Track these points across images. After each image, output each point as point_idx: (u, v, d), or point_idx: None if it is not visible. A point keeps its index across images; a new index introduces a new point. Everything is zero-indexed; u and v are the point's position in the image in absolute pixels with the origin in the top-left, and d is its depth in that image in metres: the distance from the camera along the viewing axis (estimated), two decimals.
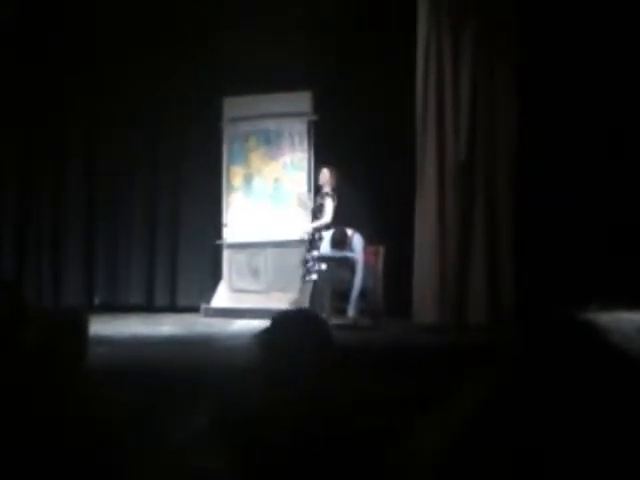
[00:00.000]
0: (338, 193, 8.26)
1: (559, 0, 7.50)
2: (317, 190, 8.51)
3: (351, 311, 7.59)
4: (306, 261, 8.25)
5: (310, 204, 8.63)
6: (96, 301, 9.57)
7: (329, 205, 8.22)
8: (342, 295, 7.72)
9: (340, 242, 7.70)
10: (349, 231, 7.80)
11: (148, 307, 9.43)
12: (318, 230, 8.13)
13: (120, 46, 9.38)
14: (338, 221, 8.14)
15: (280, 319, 2.04)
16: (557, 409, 0.83)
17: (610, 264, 7.01)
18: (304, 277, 8.24)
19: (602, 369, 0.87)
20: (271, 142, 9.12)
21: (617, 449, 0.81)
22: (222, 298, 8.97)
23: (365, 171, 8.61)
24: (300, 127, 8.95)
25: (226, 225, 9.18)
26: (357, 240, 7.76)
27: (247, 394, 1.65)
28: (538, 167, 7.59)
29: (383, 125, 8.47)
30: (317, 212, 8.31)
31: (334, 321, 7.03)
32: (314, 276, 8.09)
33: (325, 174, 8.35)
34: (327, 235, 7.93)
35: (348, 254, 7.72)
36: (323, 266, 8.01)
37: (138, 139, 9.61)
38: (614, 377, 0.86)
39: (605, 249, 7.23)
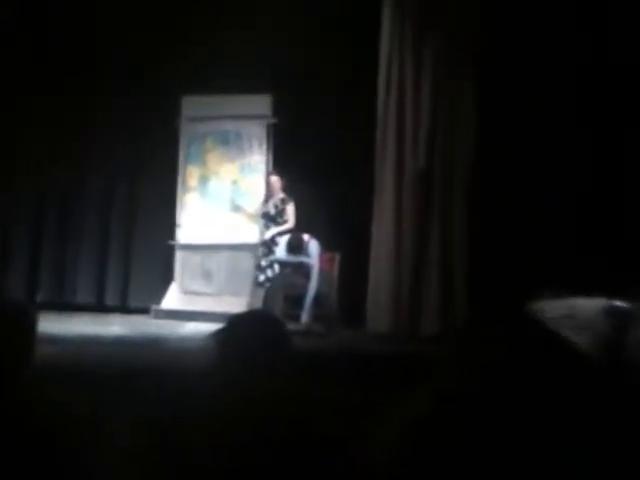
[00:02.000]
0: (293, 198, 8.24)
1: (523, 16, 7.59)
2: (267, 197, 8.43)
3: (305, 317, 7.57)
4: (260, 265, 8.20)
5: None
6: (38, 298, 9.35)
7: (291, 210, 8.19)
8: (295, 300, 7.70)
9: (296, 247, 7.68)
10: (305, 236, 7.78)
11: (97, 307, 9.27)
12: (280, 235, 8.09)
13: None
14: (295, 226, 8.13)
15: (236, 320, 2.02)
16: (513, 414, 0.82)
17: (564, 271, 7.07)
18: (257, 281, 8.19)
19: (559, 373, 0.86)
20: (229, 144, 9.05)
21: (574, 451, 0.80)
22: (173, 300, 8.86)
23: (323, 177, 8.59)
24: (259, 130, 8.91)
25: (180, 226, 9.08)
26: (313, 246, 7.75)
27: (203, 394, 1.62)
28: (494, 177, 7.67)
29: (342, 131, 8.47)
30: (277, 217, 8.25)
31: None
32: (268, 278, 8.04)
33: (276, 182, 8.32)
34: (283, 240, 7.90)
35: (304, 259, 7.71)
36: (277, 270, 7.99)
37: (92, 137, 9.42)
38: (571, 380, 0.85)
39: (560, 256, 7.31)
